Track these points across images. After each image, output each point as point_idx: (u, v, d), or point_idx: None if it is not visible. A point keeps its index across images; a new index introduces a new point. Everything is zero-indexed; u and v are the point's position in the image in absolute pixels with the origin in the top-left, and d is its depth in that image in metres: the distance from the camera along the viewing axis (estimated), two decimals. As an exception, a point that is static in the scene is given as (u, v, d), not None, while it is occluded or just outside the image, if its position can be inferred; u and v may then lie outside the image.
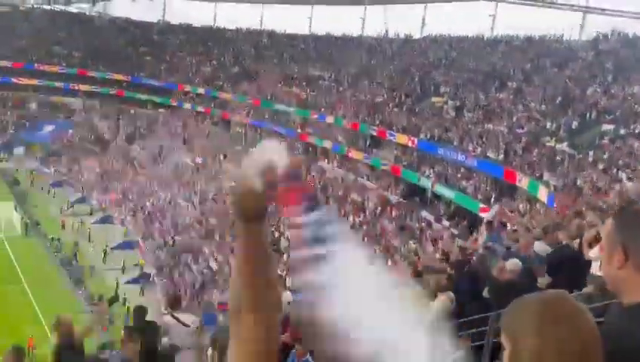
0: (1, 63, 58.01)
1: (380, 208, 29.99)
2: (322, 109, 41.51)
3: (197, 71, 56.82)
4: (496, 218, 14.41)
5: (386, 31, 52.54)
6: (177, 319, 6.21)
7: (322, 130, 40.45)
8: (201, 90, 52.90)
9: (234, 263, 1.10)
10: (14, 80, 58.64)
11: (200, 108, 52.01)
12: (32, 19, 64.78)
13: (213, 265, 29.23)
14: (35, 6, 68.68)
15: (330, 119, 40.14)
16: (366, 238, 26.64)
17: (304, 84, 46.94)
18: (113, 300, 21.33)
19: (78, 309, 26.17)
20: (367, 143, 36.82)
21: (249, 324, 1.01)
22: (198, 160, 42.93)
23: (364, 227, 28.08)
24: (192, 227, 33.94)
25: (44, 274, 29.57)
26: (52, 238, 34.00)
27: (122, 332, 5.86)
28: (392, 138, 34.44)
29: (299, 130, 42.18)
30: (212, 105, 50.97)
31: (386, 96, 39.16)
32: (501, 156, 26.45)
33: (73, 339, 5.10)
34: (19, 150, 51.85)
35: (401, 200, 30.73)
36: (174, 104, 54.60)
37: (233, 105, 49.02)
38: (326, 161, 38.73)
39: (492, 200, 24.36)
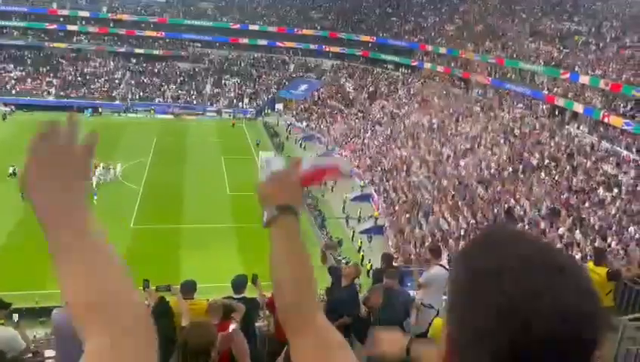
0: (269, 29, 66.49)
1: (639, 185, 26.11)
2: (576, 68, 37.40)
3: (440, 30, 56.23)
4: None
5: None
6: None
7: (574, 91, 36.62)
8: (442, 50, 52.34)
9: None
10: (278, 43, 66.68)
11: (440, 69, 51.64)
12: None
13: (444, 225, 29.55)
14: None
15: (584, 79, 36.03)
16: (617, 215, 23.75)
17: (556, 40, 42.69)
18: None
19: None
20: (630, 108, 32.10)
21: None
22: (434, 120, 43.04)
23: (617, 203, 24.89)
24: (424, 188, 34.62)
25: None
26: (301, 186, 38.29)
27: None
28: (664, 103, 29.42)
29: (546, 92, 38.96)
30: (452, 65, 50.10)
31: (661, 53, 33.32)
32: None
33: None
34: (279, 106, 59.44)
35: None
36: (414, 64, 55.28)
37: (475, 64, 47.40)
38: (576, 125, 35.08)
39: None
